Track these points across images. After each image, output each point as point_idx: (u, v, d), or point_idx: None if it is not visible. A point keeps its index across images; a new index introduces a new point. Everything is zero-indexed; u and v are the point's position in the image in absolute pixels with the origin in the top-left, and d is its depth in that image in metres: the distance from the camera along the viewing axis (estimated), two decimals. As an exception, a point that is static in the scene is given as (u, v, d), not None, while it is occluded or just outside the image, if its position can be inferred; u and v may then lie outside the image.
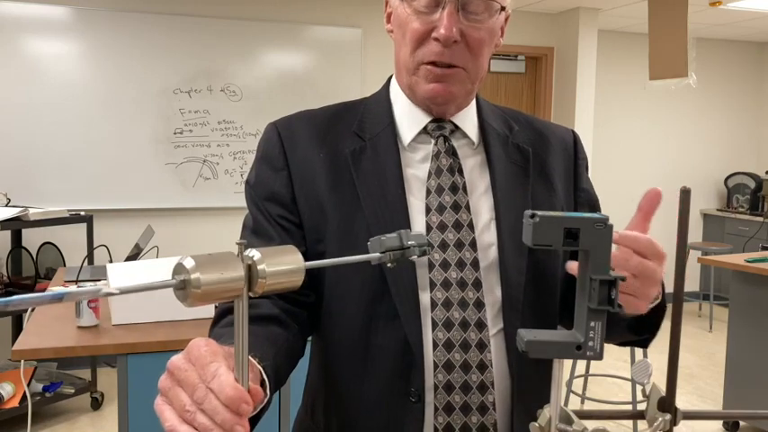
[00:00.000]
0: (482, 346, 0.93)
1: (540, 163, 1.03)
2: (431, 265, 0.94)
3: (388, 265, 0.70)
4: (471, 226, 0.96)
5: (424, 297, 0.93)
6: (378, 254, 0.69)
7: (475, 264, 0.94)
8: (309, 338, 1.02)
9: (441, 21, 0.91)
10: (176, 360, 0.64)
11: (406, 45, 0.95)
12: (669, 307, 0.87)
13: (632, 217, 0.84)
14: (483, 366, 0.93)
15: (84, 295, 0.52)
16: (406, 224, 0.94)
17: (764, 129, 6.58)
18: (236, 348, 0.61)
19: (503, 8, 0.95)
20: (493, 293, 0.95)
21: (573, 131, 1.11)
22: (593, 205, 1.08)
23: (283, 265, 0.60)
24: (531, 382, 0.95)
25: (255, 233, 0.97)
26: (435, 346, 0.92)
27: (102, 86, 4.31)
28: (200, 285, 0.55)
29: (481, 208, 0.98)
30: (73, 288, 0.54)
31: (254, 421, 0.74)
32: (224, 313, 0.92)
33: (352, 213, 0.95)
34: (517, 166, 1.01)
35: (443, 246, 0.94)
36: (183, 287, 0.56)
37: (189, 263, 0.56)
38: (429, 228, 0.95)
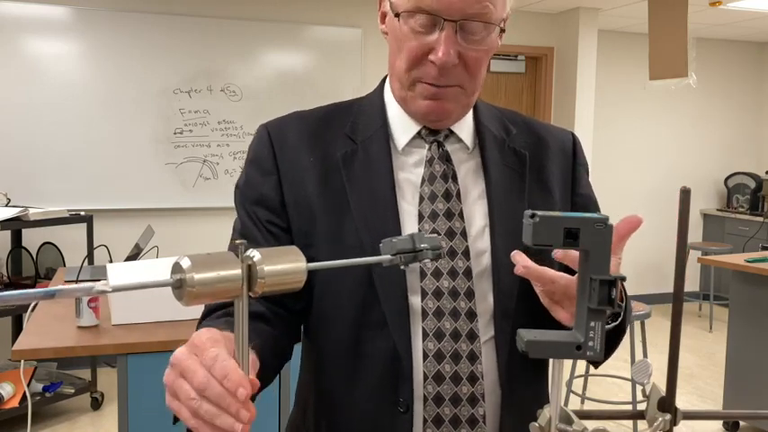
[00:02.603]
0: (473, 357, 0.91)
1: (537, 167, 1.00)
2: (422, 274, 0.92)
3: (401, 267, 0.69)
4: (464, 234, 0.94)
5: (415, 306, 0.91)
6: (389, 256, 0.68)
7: (467, 273, 0.93)
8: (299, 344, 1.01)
9: (438, 43, 0.87)
10: (178, 352, 0.65)
11: (402, 60, 0.92)
12: (668, 309, 0.87)
13: None
14: (474, 378, 0.91)
15: (77, 292, 0.52)
16: (397, 229, 0.93)
17: (764, 129, 6.58)
18: (237, 349, 0.61)
19: (502, 29, 0.92)
20: (485, 301, 0.93)
21: (573, 134, 1.08)
22: (591, 210, 1.05)
23: (283, 265, 0.60)
24: (522, 393, 0.94)
25: (243, 237, 0.95)
26: (425, 356, 0.90)
27: (102, 86, 4.31)
28: (194, 284, 0.55)
29: (475, 214, 0.96)
30: (65, 285, 0.54)
31: None
32: (210, 311, 0.91)
33: (342, 218, 0.93)
34: (513, 171, 0.99)
35: None
36: (180, 286, 0.56)
37: (185, 262, 0.56)
38: None
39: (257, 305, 0.90)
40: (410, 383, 0.90)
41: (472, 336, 0.91)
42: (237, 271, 0.57)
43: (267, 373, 0.85)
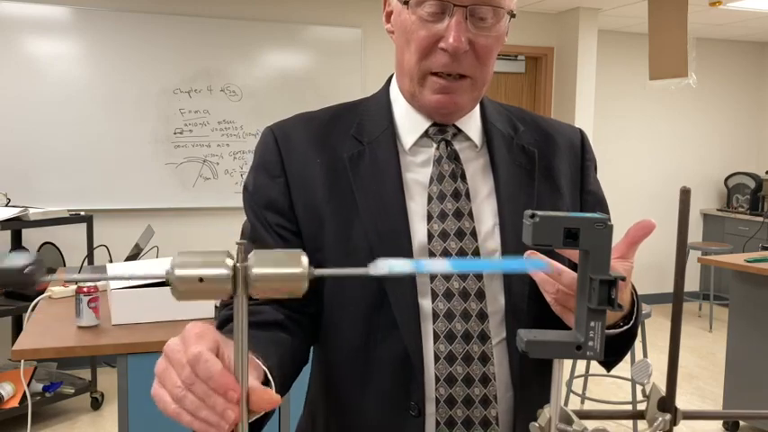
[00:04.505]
0: (485, 358, 0.91)
1: (545, 165, 0.99)
2: (432, 275, 0.91)
3: None
4: (474, 234, 0.93)
5: (426, 308, 0.91)
6: None
7: (478, 273, 0.92)
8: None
9: (448, 30, 0.87)
10: (171, 342, 0.65)
11: (411, 53, 0.91)
12: (668, 309, 0.87)
13: (619, 241, 0.82)
14: (486, 380, 0.91)
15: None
16: (406, 231, 0.92)
17: (764, 129, 6.58)
18: (236, 349, 0.60)
19: (512, 14, 0.92)
20: (496, 302, 0.93)
21: (580, 130, 1.07)
22: (601, 208, 1.04)
23: (277, 269, 0.58)
24: (534, 393, 0.92)
25: (253, 241, 0.94)
26: (437, 358, 0.90)
27: (102, 86, 4.31)
28: (178, 282, 0.56)
29: (484, 213, 0.95)
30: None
31: (258, 427, 0.74)
32: (226, 321, 0.90)
33: (350, 221, 0.92)
34: (522, 169, 0.98)
35: (445, 254, 0.91)
36: (169, 283, 0.57)
37: (173, 260, 0.56)
38: (431, 236, 0.92)
39: (275, 312, 0.90)
40: (422, 386, 0.90)
41: (484, 337, 0.91)
42: (223, 272, 0.57)
43: (287, 383, 0.85)
